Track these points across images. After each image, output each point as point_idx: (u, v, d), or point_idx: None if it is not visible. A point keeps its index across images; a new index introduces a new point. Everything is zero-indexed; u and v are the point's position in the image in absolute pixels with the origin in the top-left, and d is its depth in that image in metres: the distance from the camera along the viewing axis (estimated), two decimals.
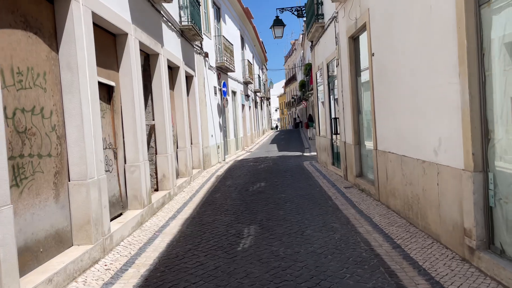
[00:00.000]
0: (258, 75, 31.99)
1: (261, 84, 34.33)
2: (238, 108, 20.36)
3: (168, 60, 8.82)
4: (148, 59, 8.10)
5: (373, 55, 6.58)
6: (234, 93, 19.56)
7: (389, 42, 5.80)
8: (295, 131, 39.09)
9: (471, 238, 3.78)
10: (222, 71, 16.45)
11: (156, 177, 8.17)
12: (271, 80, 51.21)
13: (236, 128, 19.55)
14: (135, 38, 6.66)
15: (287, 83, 62.35)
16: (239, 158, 16.61)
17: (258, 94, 32.21)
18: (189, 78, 11.68)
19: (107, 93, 6.00)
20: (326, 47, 10.65)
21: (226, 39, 16.58)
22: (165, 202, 7.79)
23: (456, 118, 3.94)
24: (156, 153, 8.20)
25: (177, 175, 9.71)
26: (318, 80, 13.22)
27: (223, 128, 16.14)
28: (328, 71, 10.96)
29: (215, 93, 15.03)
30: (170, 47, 9.18)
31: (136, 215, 6.12)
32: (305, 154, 17.02)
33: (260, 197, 7.81)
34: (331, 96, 10.92)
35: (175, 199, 8.30)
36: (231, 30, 19.54)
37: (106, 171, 5.75)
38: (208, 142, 13.19)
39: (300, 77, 42.56)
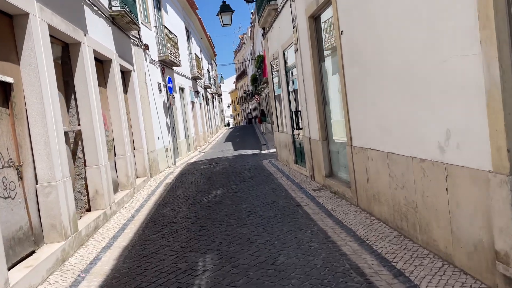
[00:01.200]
0: (208, 70, 30.45)
1: (211, 79, 32.83)
2: (187, 106, 18.82)
3: (95, 51, 7.26)
4: (67, 50, 6.54)
5: (342, 33, 5.50)
6: (182, 89, 18.01)
7: (364, 13, 4.71)
8: (249, 127, 38.00)
9: (508, 264, 2.76)
10: (167, 65, 14.90)
11: (87, 195, 6.64)
12: (221, 76, 49.77)
13: (187, 128, 18.03)
14: (41, 21, 5.13)
15: (238, 78, 61.10)
16: (192, 161, 15.18)
17: (208, 90, 30.68)
18: (126, 74, 10.11)
19: (1, 92, 4.46)
20: (281, 32, 9.51)
21: (169, 30, 15.01)
22: (99, 225, 6.31)
23: (477, 102, 2.89)
24: (85, 165, 6.66)
25: (117, 188, 8.20)
26: (273, 71, 12.09)
27: (172, 128, 14.63)
28: (284, 59, 9.83)
29: (160, 90, 13.49)
30: (98, 35, 7.63)
31: (54, 251, 4.65)
32: (262, 151, 15.90)
33: (217, 210, 6.54)
34: (290, 87, 9.81)
35: (112, 220, 6.81)
36: (174, 21, 17.93)
37: (6, 197, 4.24)
38: (154, 145, 11.68)
39: (251, 71, 41.49)
